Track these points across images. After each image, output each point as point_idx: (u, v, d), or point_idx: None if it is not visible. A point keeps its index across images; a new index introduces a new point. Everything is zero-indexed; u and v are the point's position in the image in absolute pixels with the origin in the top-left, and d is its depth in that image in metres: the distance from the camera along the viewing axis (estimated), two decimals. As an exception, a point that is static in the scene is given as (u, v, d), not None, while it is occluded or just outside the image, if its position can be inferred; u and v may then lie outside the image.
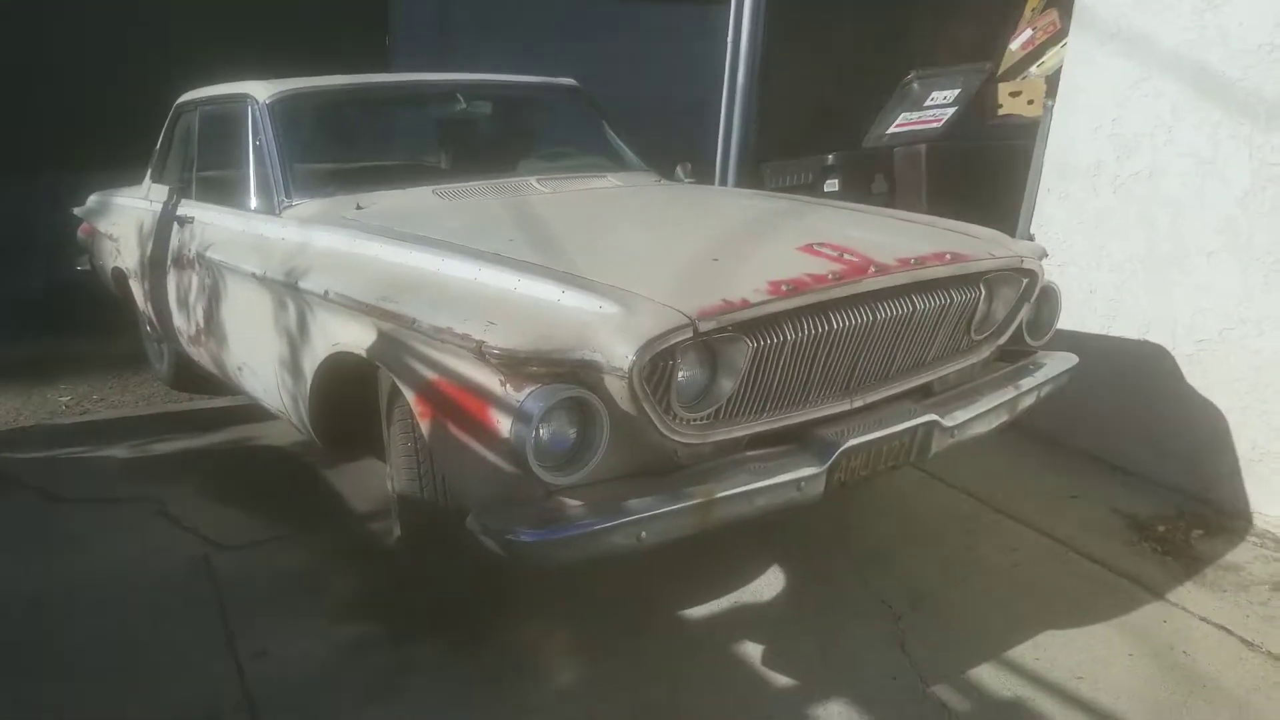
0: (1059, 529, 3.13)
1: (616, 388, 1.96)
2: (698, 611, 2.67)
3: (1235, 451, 3.22)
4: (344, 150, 3.59)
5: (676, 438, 2.08)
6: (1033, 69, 5.76)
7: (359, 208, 3.07)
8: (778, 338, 2.16)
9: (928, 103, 5.42)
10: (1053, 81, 5.38)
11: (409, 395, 2.21)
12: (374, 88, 3.72)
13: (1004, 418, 2.66)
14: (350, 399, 2.68)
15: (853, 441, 2.27)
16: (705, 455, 2.17)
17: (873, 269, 2.31)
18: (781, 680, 2.38)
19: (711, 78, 5.56)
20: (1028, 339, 2.89)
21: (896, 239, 2.61)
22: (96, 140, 5.76)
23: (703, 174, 5.20)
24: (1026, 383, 2.74)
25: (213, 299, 3.44)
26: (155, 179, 4.35)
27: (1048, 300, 2.87)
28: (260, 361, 3.08)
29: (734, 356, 2.10)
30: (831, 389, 2.37)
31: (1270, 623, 2.63)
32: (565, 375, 1.96)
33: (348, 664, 2.42)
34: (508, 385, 1.94)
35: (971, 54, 5.75)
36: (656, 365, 1.99)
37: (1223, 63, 3.13)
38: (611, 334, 1.96)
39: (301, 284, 2.68)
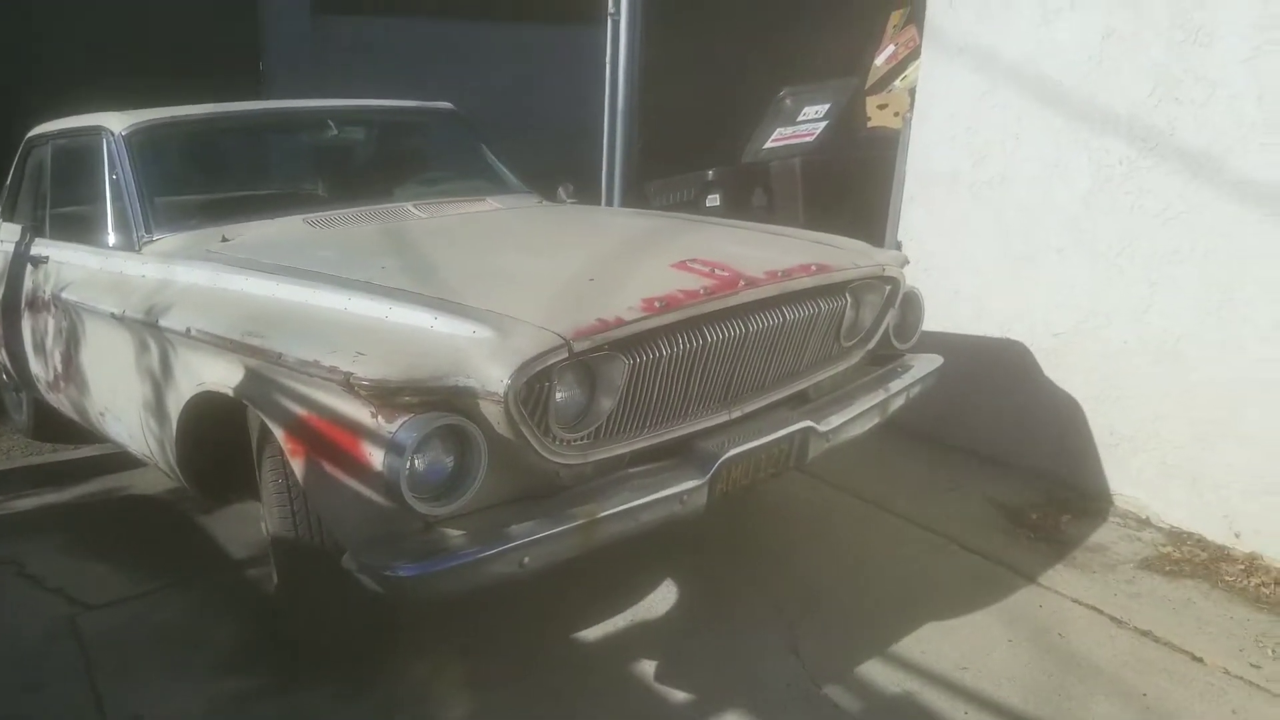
0: (939, 522, 3.24)
1: (493, 412, 1.95)
2: (591, 633, 2.65)
3: (1094, 438, 3.41)
4: (208, 181, 3.48)
5: (557, 459, 2.08)
6: (896, 82, 5.97)
7: (224, 240, 2.97)
8: (654, 353, 2.19)
9: (800, 117, 5.57)
10: (915, 94, 5.71)
11: (278, 433, 2.15)
12: (238, 116, 3.61)
13: (876, 419, 2.75)
14: (219, 440, 2.58)
15: (732, 452, 2.32)
16: (587, 475, 2.17)
17: (742, 283, 2.37)
18: (677, 696, 2.38)
19: (598, 99, 5.63)
20: (895, 343, 3.00)
21: (766, 253, 2.68)
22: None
23: (590, 194, 5.25)
24: (896, 385, 2.84)
25: (71, 342, 3.27)
26: (6, 217, 4.11)
27: (911, 305, 2.99)
28: (123, 406, 2.94)
29: (611, 375, 2.12)
30: (710, 402, 2.41)
31: (1135, 599, 2.79)
32: (439, 403, 1.93)
33: (231, 719, 2.33)
34: (379, 417, 1.91)
35: (841, 70, 5.94)
36: (533, 388, 1.99)
37: (1059, 73, 3.33)
38: (485, 358, 1.95)
39: (162, 322, 2.58)
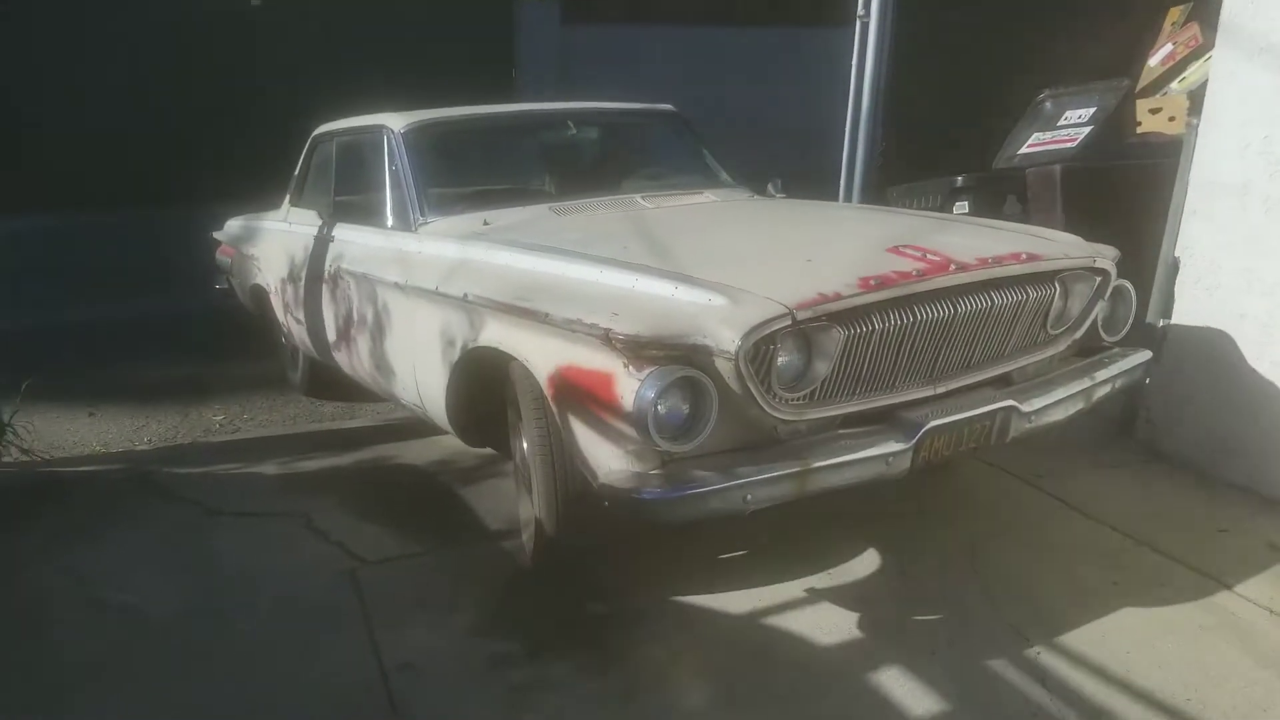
0: (1209, 563, 2.96)
1: (725, 368, 2.26)
2: (826, 637, 2.63)
3: None
4: (469, 173, 3.96)
5: (776, 414, 2.37)
6: (1173, 85, 5.68)
7: (486, 223, 3.44)
8: (867, 327, 2.43)
9: (1061, 122, 5.28)
10: (1195, 98, 5.09)
11: (541, 379, 2.55)
12: (494, 117, 4.12)
13: (1080, 405, 2.85)
14: (485, 393, 3.04)
15: (936, 422, 2.51)
16: (802, 432, 2.44)
17: (953, 266, 2.56)
18: (922, 715, 2.32)
19: (836, 100, 5.60)
20: (1104, 335, 3.08)
21: (978, 241, 2.85)
22: (227, 174, 6.43)
23: (828, 197, 5.19)
24: (1101, 374, 2.93)
25: (354, 308, 3.85)
26: (294, 203, 4.83)
27: (1122, 299, 3.06)
28: (401, 362, 3.47)
29: (827, 343, 2.38)
30: (917, 376, 2.62)
31: None
32: (679, 359, 2.26)
33: (486, 678, 2.51)
34: (630, 366, 2.26)
35: (1107, 71, 5.60)
36: (759, 349, 2.28)
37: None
38: (720, 322, 2.26)
39: (441, 289, 3.06)
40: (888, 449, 2.45)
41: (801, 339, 2.37)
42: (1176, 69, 5.65)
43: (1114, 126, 5.20)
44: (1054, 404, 2.78)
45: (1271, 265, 3.38)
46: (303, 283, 4.45)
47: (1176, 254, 3.68)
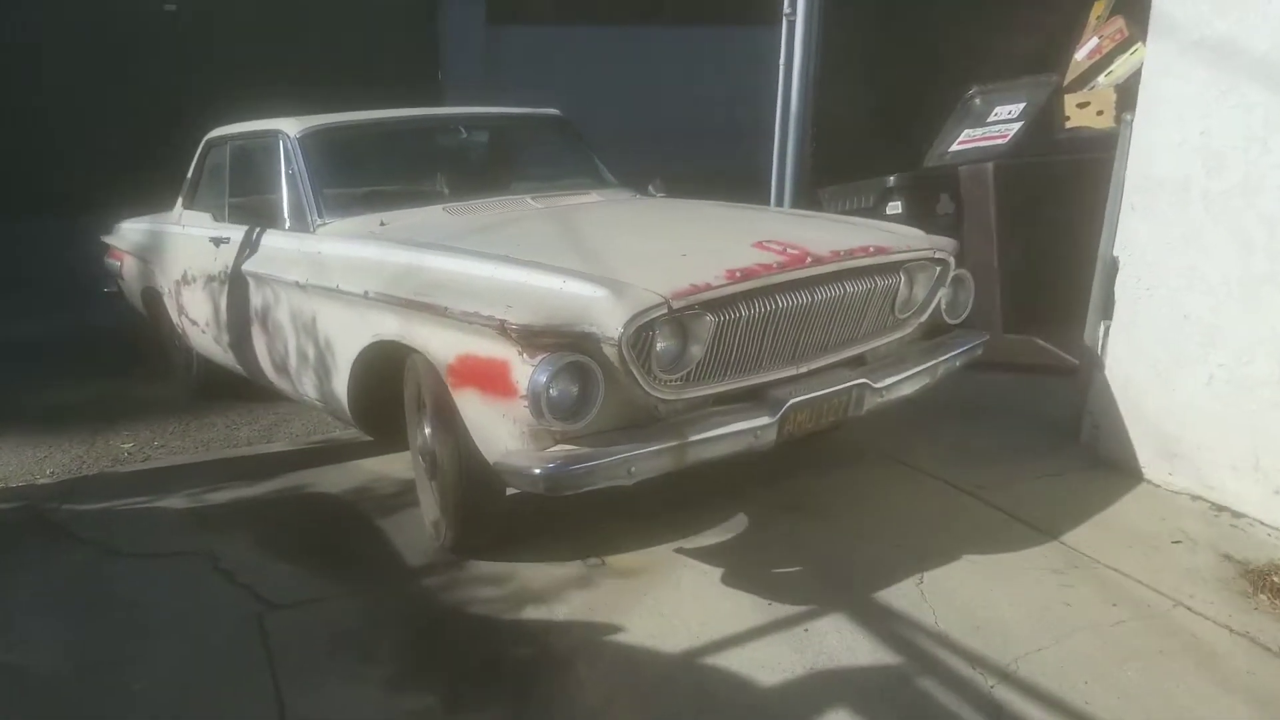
0: (1163, 579, 2.88)
1: (610, 354, 2.53)
2: (769, 677, 2.50)
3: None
4: (364, 176, 4.10)
5: (657, 394, 2.65)
6: (1100, 78, 5.71)
7: (382, 224, 3.62)
8: (734, 314, 2.74)
9: (991, 118, 5.19)
10: (1124, 91, 5.27)
11: (441, 369, 2.77)
12: (388, 121, 4.28)
13: (926, 381, 3.24)
14: (384, 385, 3.23)
15: (798, 399, 2.84)
16: (680, 410, 2.73)
17: (809, 259, 2.89)
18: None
19: (765, 100, 5.62)
20: (947, 318, 3.47)
21: (832, 235, 3.19)
22: (139, 182, 6.08)
23: (758, 199, 5.41)
24: (943, 353, 3.32)
25: (252, 308, 3.96)
26: (187, 206, 4.87)
27: (961, 285, 3.46)
28: (302, 359, 3.61)
29: (700, 329, 2.67)
30: (780, 357, 2.94)
31: None
32: (568, 346, 2.52)
33: None
34: (524, 354, 2.50)
35: (1035, 66, 5.55)
36: (640, 336, 2.56)
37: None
38: (605, 312, 2.52)
39: (342, 286, 3.23)
40: (755, 423, 2.76)
41: (677, 326, 2.65)
42: (1103, 63, 5.68)
43: (1045, 122, 5.17)
44: (902, 379, 3.15)
45: (1213, 263, 3.29)
46: (198, 284, 4.52)
47: (1115, 253, 3.61)
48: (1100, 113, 5.51)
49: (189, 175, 4.94)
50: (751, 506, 3.43)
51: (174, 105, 7.32)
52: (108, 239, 5.97)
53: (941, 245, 3.35)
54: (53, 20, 7.98)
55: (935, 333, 3.51)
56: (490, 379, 2.60)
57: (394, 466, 3.87)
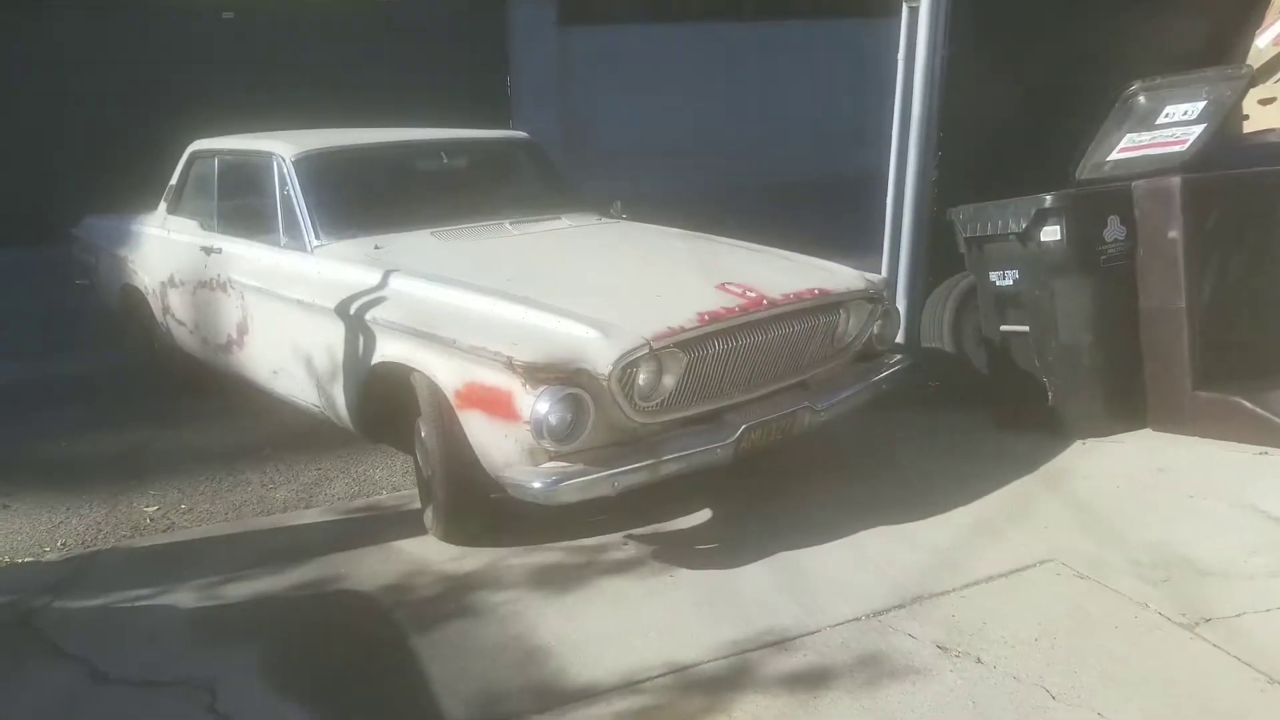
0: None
1: (599, 387, 2.99)
2: None
3: None
4: (353, 198, 4.40)
5: (636, 420, 3.12)
6: None
7: (377, 248, 3.98)
8: (703, 351, 3.22)
9: (1161, 120, 4.35)
10: None
11: (448, 392, 3.19)
12: (376, 147, 4.63)
13: (861, 399, 3.77)
14: (385, 397, 3.62)
15: (751, 421, 3.34)
16: (655, 431, 3.20)
17: (765, 302, 3.39)
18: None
19: (869, 100, 5.06)
20: (877, 345, 4.00)
21: (781, 277, 3.68)
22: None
23: (870, 219, 4.81)
24: (875, 377, 3.86)
25: (249, 318, 4.29)
26: (172, 211, 5.13)
27: (890, 318, 3.99)
28: (303, 369, 3.96)
29: (674, 365, 3.15)
30: (737, 385, 3.43)
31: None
32: (564, 379, 2.96)
33: None
34: (526, 385, 2.94)
35: (1198, 58, 4.76)
36: (625, 372, 3.02)
37: None
38: (596, 351, 2.98)
39: (348, 309, 3.60)
40: (716, 443, 3.25)
41: (655, 362, 3.12)
42: (1293, 52, 4.70)
43: (1233, 125, 4.44)
44: (839, 401, 3.68)
45: None
46: (187, 288, 4.81)
47: None
48: (1295, 112, 4.48)
49: (173, 182, 5.20)
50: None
51: (236, 108, 6.78)
52: (76, 232, 6.16)
53: (876, 284, 3.87)
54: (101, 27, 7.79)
55: (867, 355, 4.03)
56: (495, 404, 3.03)
57: (435, 553, 3.47)
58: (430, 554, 3.47)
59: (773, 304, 3.42)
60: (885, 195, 4.71)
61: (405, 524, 3.70)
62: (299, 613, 3.19)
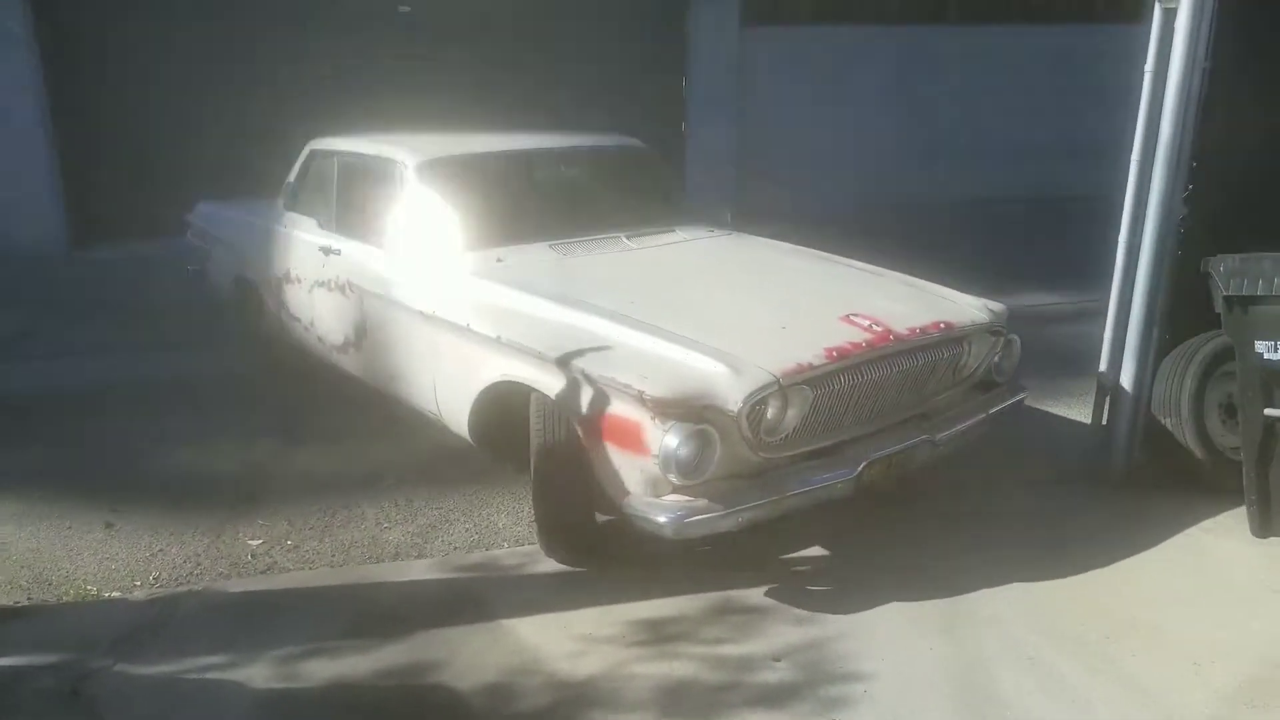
0: None
1: (727, 423, 2.99)
2: None
3: None
4: (473, 207, 4.44)
5: (762, 454, 3.12)
6: None
7: (499, 260, 4.03)
8: (829, 387, 3.20)
9: None
10: None
11: (574, 417, 3.23)
12: (498, 156, 4.67)
13: (978, 432, 3.71)
14: (503, 411, 3.67)
15: (873, 456, 3.32)
16: (779, 464, 3.21)
17: (893, 338, 3.35)
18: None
19: (1075, 118, 4.87)
20: (995, 378, 3.93)
21: (904, 308, 3.64)
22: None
23: (1094, 261, 4.32)
24: (993, 410, 3.80)
25: (368, 322, 4.39)
26: (289, 208, 5.26)
27: (1009, 350, 3.91)
28: (422, 377, 4.04)
29: (800, 401, 3.14)
30: (860, 419, 3.41)
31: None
32: (692, 415, 2.98)
33: None
34: (656, 419, 2.96)
35: None
36: (754, 409, 3.02)
37: None
38: (726, 388, 2.99)
39: (474, 326, 3.66)
40: (838, 477, 3.24)
41: (782, 398, 3.11)
42: None
43: None
44: (957, 433, 3.63)
45: None
46: (302, 286, 4.93)
47: None
48: None
49: (291, 179, 5.32)
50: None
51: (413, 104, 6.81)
52: (191, 218, 6.36)
53: (998, 315, 3.80)
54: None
55: (985, 386, 3.97)
56: (623, 435, 3.07)
57: (551, 643, 3.08)
58: (544, 644, 3.08)
59: (899, 339, 3.38)
60: (1088, 219, 4.24)
61: (521, 593, 3.41)
62: (379, 706, 2.83)
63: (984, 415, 3.77)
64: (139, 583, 3.53)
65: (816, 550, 3.68)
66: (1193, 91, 3.75)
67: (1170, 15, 3.73)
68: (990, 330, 3.76)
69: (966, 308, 3.79)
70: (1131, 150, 3.91)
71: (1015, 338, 3.93)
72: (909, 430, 3.54)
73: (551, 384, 3.33)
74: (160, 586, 3.51)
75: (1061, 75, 5.92)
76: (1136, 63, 3.86)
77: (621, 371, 3.07)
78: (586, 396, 3.19)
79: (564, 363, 3.26)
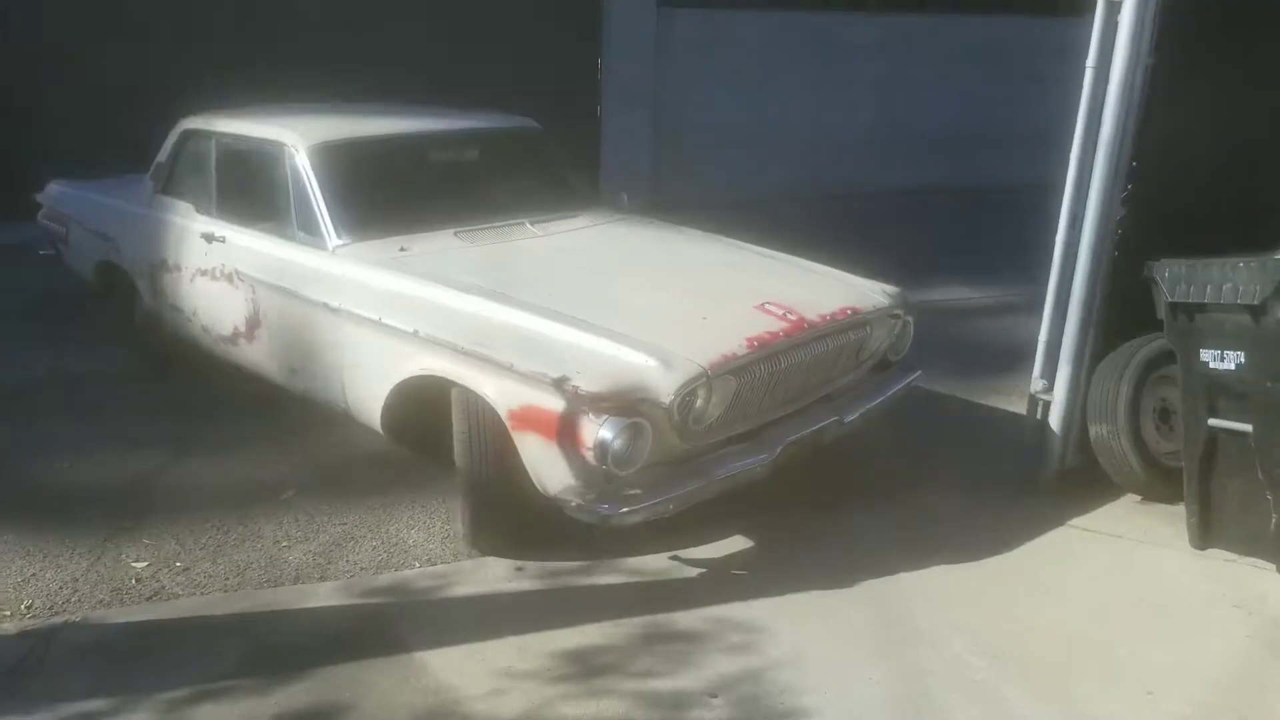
0: None
1: (658, 414, 3.06)
2: None
3: None
4: (369, 191, 4.28)
5: (690, 443, 3.21)
6: None
7: (402, 249, 3.93)
8: (751, 375, 3.31)
9: None
10: None
11: (501, 412, 3.21)
12: (395, 138, 4.51)
13: (881, 410, 3.92)
14: (420, 406, 3.61)
15: (789, 438, 3.46)
16: (704, 451, 3.30)
17: (807, 325, 3.49)
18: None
19: (996, 110, 4.78)
20: (890, 357, 4.15)
21: (815, 295, 3.78)
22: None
23: (1033, 261, 4.23)
24: (893, 388, 4.01)
25: (261, 313, 4.20)
26: (161, 191, 4.93)
27: (904, 332, 4.13)
28: (329, 371, 3.89)
29: (724, 389, 3.24)
30: (775, 403, 3.54)
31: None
32: (626, 408, 3.02)
33: None
34: (590, 413, 2.99)
35: None
36: (685, 400, 3.09)
37: None
38: (657, 381, 3.05)
39: (385, 320, 3.57)
40: (759, 459, 3.37)
41: (709, 388, 3.20)
42: None
43: None
44: (863, 413, 3.82)
45: None
46: (183, 275, 4.66)
47: None
48: None
49: (162, 160, 4.99)
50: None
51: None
52: (41, 198, 5.89)
53: (898, 300, 4.00)
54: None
55: (881, 366, 4.18)
56: (556, 429, 3.07)
57: (468, 680, 2.84)
58: (462, 681, 2.83)
59: (813, 326, 3.52)
60: (1009, 209, 4.11)
61: (435, 620, 3.14)
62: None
63: (885, 395, 3.98)
64: (9, 612, 3.18)
65: (743, 564, 3.57)
66: (1135, 89, 3.64)
67: (1114, 9, 3.61)
68: (890, 314, 3.96)
69: (869, 292, 3.97)
70: (1071, 147, 3.80)
71: (910, 319, 4.15)
72: (819, 412, 3.70)
73: (476, 378, 3.30)
74: (33, 617, 3.15)
75: (987, 66, 5.97)
76: (1064, 55, 3.79)
77: (552, 366, 3.08)
78: (516, 391, 3.18)
79: (489, 357, 3.23)
